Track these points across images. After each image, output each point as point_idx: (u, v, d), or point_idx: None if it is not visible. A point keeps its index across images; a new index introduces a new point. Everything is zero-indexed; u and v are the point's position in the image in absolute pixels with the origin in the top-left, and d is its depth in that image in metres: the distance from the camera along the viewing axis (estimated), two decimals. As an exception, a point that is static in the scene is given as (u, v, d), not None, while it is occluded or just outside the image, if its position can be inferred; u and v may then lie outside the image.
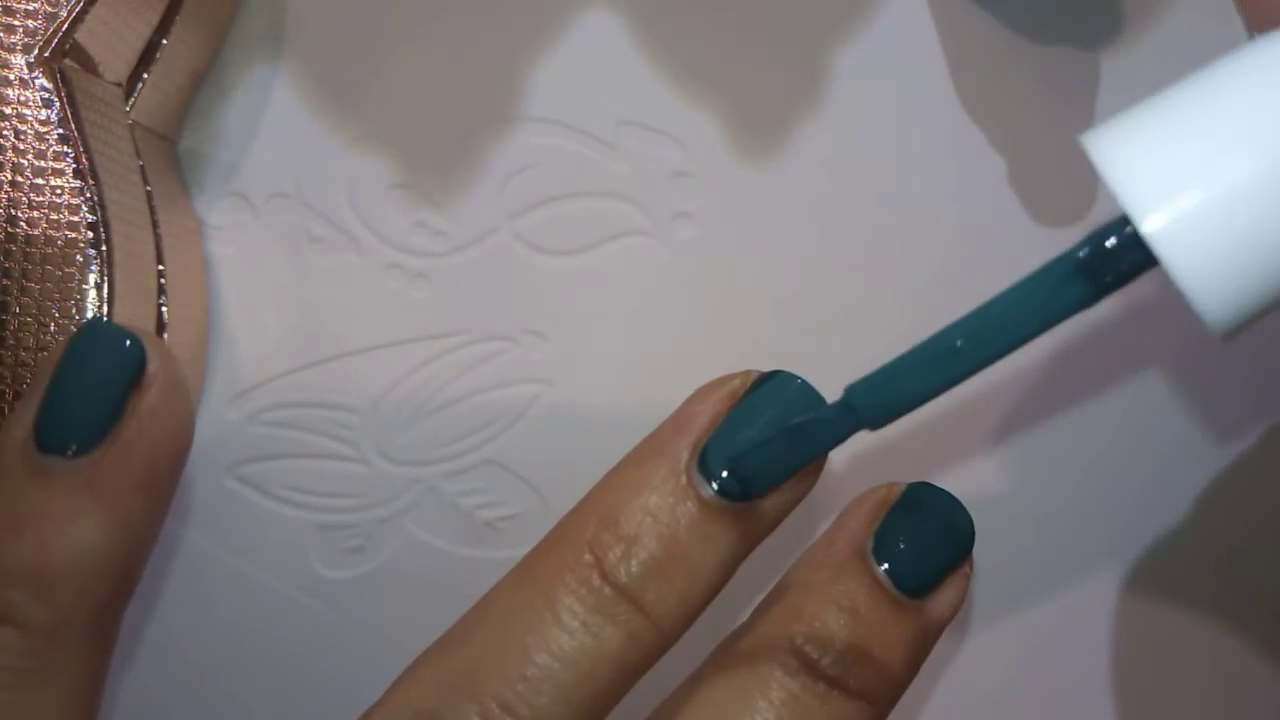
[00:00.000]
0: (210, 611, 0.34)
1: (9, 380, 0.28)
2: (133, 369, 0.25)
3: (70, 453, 0.24)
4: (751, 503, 0.23)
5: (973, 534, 0.25)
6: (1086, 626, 0.36)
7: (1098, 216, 0.34)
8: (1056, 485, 0.35)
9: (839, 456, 0.34)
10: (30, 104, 0.28)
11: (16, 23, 0.28)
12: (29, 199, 0.28)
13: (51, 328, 0.28)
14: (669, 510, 0.23)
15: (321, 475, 0.33)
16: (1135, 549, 0.35)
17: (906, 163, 0.34)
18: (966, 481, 0.35)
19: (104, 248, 0.29)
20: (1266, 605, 0.36)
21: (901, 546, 0.25)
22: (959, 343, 0.20)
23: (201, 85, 0.32)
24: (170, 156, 0.32)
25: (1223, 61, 0.19)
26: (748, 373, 0.24)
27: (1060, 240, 0.34)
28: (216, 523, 0.33)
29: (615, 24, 0.33)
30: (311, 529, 0.33)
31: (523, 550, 0.33)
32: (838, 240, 0.34)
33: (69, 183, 0.28)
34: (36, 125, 0.28)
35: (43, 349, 0.28)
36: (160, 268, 0.31)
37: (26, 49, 0.28)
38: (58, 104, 0.28)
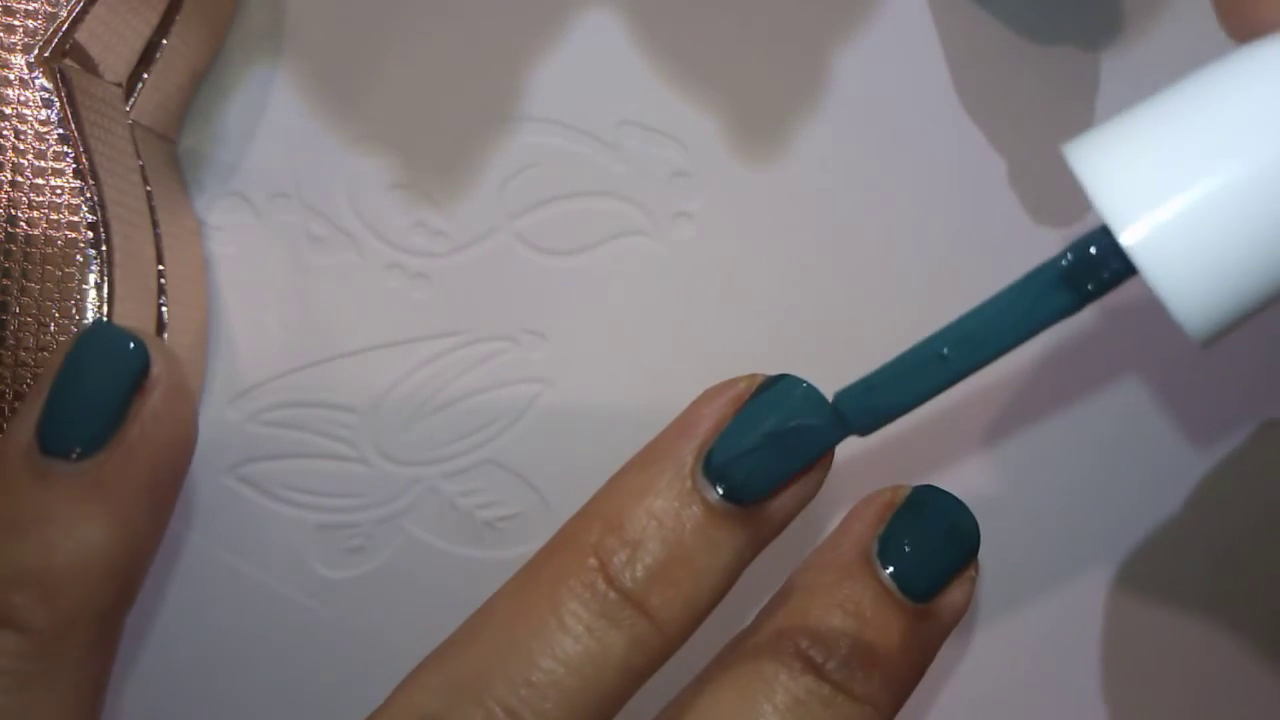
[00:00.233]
0: (210, 611, 0.34)
1: (9, 380, 0.28)
2: (136, 372, 0.24)
3: (73, 456, 0.24)
4: (757, 506, 0.23)
5: (978, 537, 0.25)
6: (1086, 626, 0.36)
7: (1097, 216, 0.34)
8: (1052, 485, 0.35)
9: (840, 457, 0.34)
10: (30, 104, 0.28)
11: (16, 23, 0.28)
12: (29, 199, 0.28)
13: (51, 328, 0.28)
14: (674, 515, 0.23)
15: (321, 475, 0.33)
16: (1132, 548, 0.35)
17: (906, 162, 0.34)
18: (964, 481, 0.35)
19: (104, 248, 0.28)
20: (1264, 603, 0.36)
21: (906, 550, 0.25)
22: (945, 350, 0.20)
23: (201, 85, 0.32)
24: (170, 156, 0.32)
25: (1202, 72, 0.19)
26: (753, 376, 0.24)
27: (1060, 240, 0.34)
28: (217, 523, 0.33)
29: (615, 24, 0.33)
30: (311, 529, 0.33)
31: (523, 550, 0.34)
32: (837, 240, 0.34)
33: (69, 183, 0.28)
34: (36, 125, 0.28)
35: (43, 349, 0.28)
36: (160, 268, 0.31)
37: (26, 49, 0.28)
38: (58, 104, 0.28)
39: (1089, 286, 0.19)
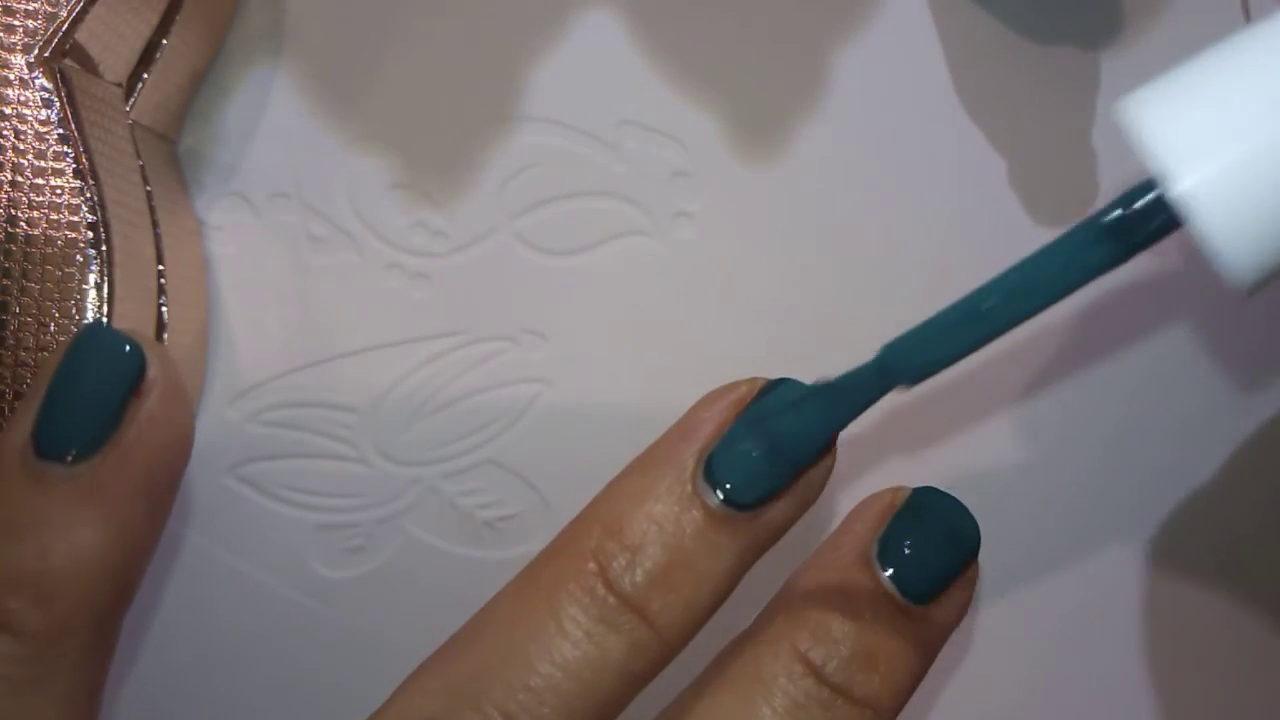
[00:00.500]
0: (210, 611, 0.34)
1: (9, 380, 0.28)
2: (132, 375, 0.24)
3: (69, 459, 0.24)
4: (757, 511, 0.23)
5: (978, 539, 0.25)
6: (1086, 627, 0.36)
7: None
8: (1052, 485, 0.35)
9: (841, 458, 0.34)
10: (30, 104, 0.28)
11: (16, 23, 0.28)
12: (29, 199, 0.28)
13: (51, 328, 0.28)
14: (674, 519, 0.23)
15: (321, 475, 0.33)
16: (1132, 549, 0.35)
17: (906, 162, 0.34)
18: (965, 482, 0.35)
19: (104, 248, 0.28)
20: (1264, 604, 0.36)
21: (906, 552, 0.25)
22: (992, 302, 0.20)
23: (201, 85, 0.32)
24: (170, 156, 0.32)
25: (1250, 30, 0.20)
26: (754, 380, 0.24)
27: (1060, 241, 0.34)
28: (216, 523, 0.33)
29: (615, 24, 0.33)
30: (311, 529, 0.33)
31: (523, 550, 0.34)
32: (837, 240, 0.34)
33: (69, 183, 0.28)
34: (36, 125, 0.28)
35: (43, 349, 0.28)
36: (160, 268, 0.31)
37: (26, 49, 0.28)
38: (58, 104, 0.28)
39: (1136, 238, 0.19)
